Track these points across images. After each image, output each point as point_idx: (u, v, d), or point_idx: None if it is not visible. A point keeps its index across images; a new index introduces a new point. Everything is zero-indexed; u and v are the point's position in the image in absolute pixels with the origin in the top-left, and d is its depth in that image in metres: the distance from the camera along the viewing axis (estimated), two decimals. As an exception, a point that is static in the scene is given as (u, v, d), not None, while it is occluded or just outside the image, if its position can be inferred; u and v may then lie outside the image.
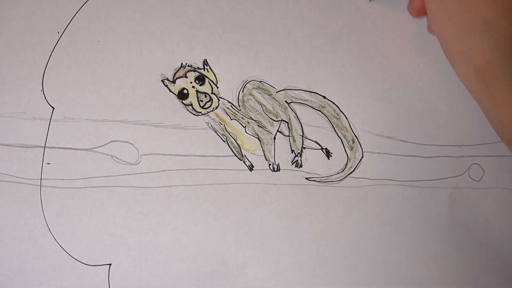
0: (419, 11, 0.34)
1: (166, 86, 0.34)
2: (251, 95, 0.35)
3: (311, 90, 0.36)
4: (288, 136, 0.36)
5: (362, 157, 0.36)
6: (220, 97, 0.35)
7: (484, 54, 0.29)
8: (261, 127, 0.35)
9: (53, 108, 0.33)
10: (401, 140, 0.36)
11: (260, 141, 0.35)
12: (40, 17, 0.33)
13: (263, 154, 0.35)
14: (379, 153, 0.36)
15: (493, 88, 0.29)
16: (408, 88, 0.36)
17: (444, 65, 0.35)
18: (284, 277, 0.35)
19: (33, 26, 0.33)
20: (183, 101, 0.34)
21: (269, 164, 0.35)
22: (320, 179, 0.36)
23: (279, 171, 0.35)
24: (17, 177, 0.33)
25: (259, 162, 0.35)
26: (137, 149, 0.34)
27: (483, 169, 0.37)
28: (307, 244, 0.36)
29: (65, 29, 0.33)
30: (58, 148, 0.33)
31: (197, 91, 0.34)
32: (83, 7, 0.33)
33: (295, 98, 0.35)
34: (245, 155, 0.35)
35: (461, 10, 0.29)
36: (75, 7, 0.33)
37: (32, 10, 0.33)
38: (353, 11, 0.36)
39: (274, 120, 0.35)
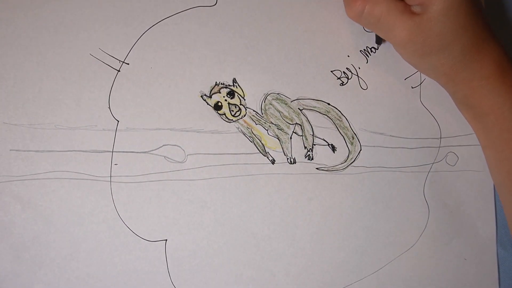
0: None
1: (205, 100, 0.36)
2: (271, 104, 0.37)
3: (318, 99, 0.38)
4: (301, 135, 0.38)
5: (360, 150, 0.38)
6: (247, 107, 0.37)
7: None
8: (280, 129, 0.37)
9: (118, 121, 0.35)
10: (390, 135, 0.39)
11: (279, 141, 0.37)
12: (105, 50, 0.35)
13: (282, 150, 0.37)
14: (374, 146, 0.38)
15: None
16: (395, 94, 0.39)
17: (419, 77, 0.39)
18: (299, 245, 0.38)
19: (99, 58, 0.35)
20: (218, 112, 0.36)
21: (287, 158, 0.37)
22: (327, 169, 0.38)
23: (295, 163, 0.37)
24: (92, 175, 0.35)
25: (279, 157, 0.37)
26: (184, 150, 0.36)
27: (457, 156, 0.39)
28: (317, 219, 0.38)
29: (125, 58, 0.35)
30: (123, 152, 0.35)
31: (228, 103, 0.36)
32: (138, 41, 0.35)
33: (306, 106, 0.38)
34: (268, 152, 0.37)
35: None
36: (131, 41, 0.35)
37: (98, 45, 0.35)
38: (350, 35, 0.38)
39: (290, 124, 0.37)
